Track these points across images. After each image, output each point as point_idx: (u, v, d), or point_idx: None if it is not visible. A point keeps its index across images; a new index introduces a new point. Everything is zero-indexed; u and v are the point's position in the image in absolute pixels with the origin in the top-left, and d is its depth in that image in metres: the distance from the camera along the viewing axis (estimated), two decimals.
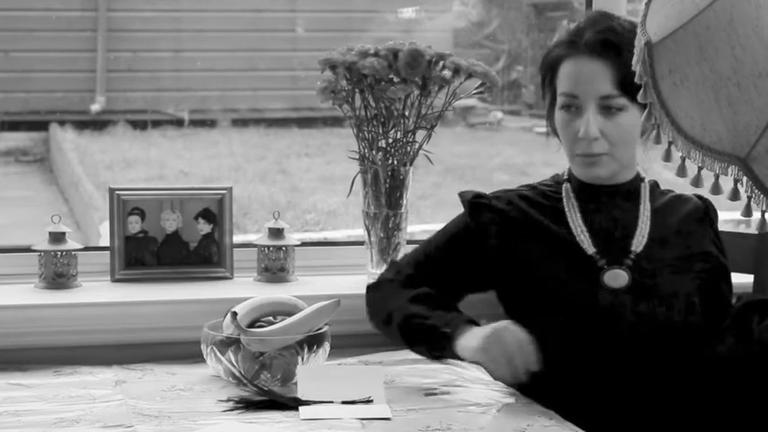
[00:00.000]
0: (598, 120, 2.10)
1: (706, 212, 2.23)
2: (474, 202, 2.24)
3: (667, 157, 1.51)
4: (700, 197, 2.25)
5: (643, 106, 2.07)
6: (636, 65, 1.51)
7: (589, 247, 2.15)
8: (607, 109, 2.10)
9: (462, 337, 2.04)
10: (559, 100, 2.15)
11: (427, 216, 5.24)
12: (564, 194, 2.21)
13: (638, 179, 2.22)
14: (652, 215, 2.19)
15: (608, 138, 2.11)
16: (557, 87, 2.16)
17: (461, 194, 2.28)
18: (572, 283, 2.13)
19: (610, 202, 2.19)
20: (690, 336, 2.11)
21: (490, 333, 1.99)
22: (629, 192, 2.20)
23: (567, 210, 2.19)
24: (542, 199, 2.22)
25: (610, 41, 2.09)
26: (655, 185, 2.26)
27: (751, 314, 2.13)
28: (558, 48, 2.16)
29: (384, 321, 2.22)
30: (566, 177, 2.23)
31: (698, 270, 2.16)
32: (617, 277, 2.12)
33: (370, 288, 2.31)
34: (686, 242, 2.18)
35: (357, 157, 2.49)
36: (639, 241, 2.16)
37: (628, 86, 2.03)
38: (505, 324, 2.01)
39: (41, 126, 5.38)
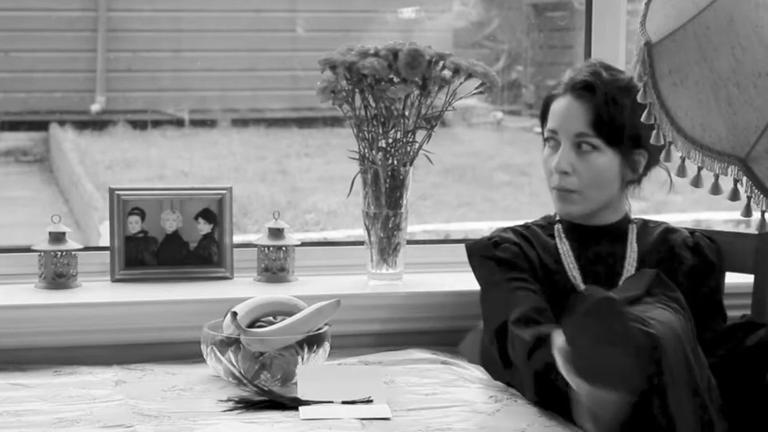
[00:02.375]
0: (571, 156, 2.23)
1: (696, 248, 2.29)
2: (492, 243, 2.28)
3: (667, 157, 1.52)
4: (693, 231, 2.33)
5: (620, 150, 2.19)
6: (636, 65, 1.51)
7: (580, 284, 2.24)
8: (580, 147, 2.22)
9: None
10: (544, 135, 2.29)
11: (427, 216, 5.24)
12: (556, 234, 2.30)
13: (626, 221, 2.31)
14: (639, 256, 2.27)
15: (579, 175, 2.23)
16: (546, 125, 2.29)
17: (470, 246, 2.32)
18: (563, 316, 2.15)
19: (598, 242, 2.28)
20: None
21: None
22: (615, 233, 2.29)
23: (560, 248, 2.28)
24: (538, 237, 2.30)
25: (588, 83, 2.22)
26: (643, 224, 2.33)
27: (736, 334, 2.19)
28: (554, 89, 2.29)
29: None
30: (557, 219, 2.33)
31: (676, 304, 2.19)
32: None
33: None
34: (671, 280, 2.21)
35: (357, 157, 2.49)
36: None
37: (603, 128, 2.20)
38: None
39: (41, 126, 5.37)
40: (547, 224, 2.33)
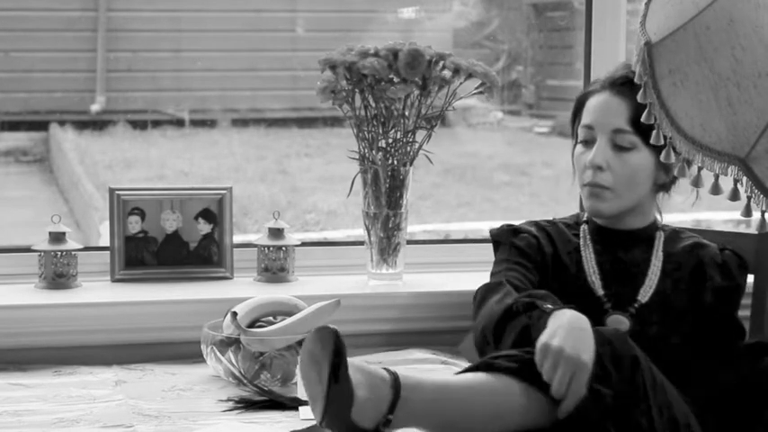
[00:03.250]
0: (607, 152, 2.19)
1: (723, 265, 2.25)
2: (511, 229, 2.28)
3: (667, 156, 1.51)
4: (723, 248, 2.27)
5: (656, 150, 2.14)
6: (635, 65, 1.51)
7: (599, 289, 2.21)
8: (618, 144, 2.18)
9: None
10: (578, 133, 2.25)
11: (427, 216, 5.24)
12: (581, 234, 2.27)
13: (654, 227, 2.28)
14: (663, 265, 2.24)
15: (613, 172, 2.19)
16: (581, 122, 2.25)
17: (492, 231, 2.32)
18: None
19: (623, 247, 2.25)
20: (680, 385, 2.10)
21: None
22: (642, 238, 2.26)
23: (582, 249, 2.25)
24: (561, 235, 2.28)
25: (630, 79, 2.15)
26: (673, 233, 2.29)
27: (750, 356, 2.15)
28: (590, 87, 2.28)
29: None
30: (585, 219, 2.30)
31: (699, 325, 2.19)
32: (619, 323, 2.17)
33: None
34: (693, 295, 2.21)
35: (357, 157, 2.49)
36: (646, 292, 2.21)
37: (642, 125, 2.07)
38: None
39: (41, 126, 5.37)
40: (574, 223, 2.31)
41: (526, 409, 1.83)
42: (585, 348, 1.85)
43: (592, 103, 2.22)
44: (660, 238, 2.27)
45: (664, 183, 2.24)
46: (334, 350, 1.71)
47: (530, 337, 1.95)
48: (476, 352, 2.41)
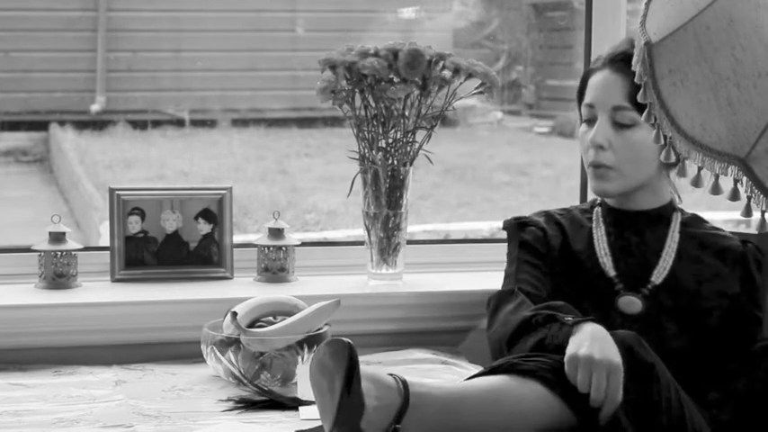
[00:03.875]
0: (608, 131, 2.16)
1: (743, 257, 2.21)
2: (518, 223, 2.27)
3: (667, 156, 1.51)
4: (745, 241, 2.23)
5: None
6: (636, 65, 1.51)
7: (610, 270, 2.18)
8: (618, 121, 2.15)
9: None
10: (582, 112, 2.22)
11: (427, 216, 5.24)
12: (594, 217, 2.25)
13: (670, 208, 2.24)
14: (680, 247, 2.20)
15: (616, 151, 2.15)
16: (583, 101, 2.23)
17: (504, 222, 2.31)
18: (587, 301, 2.14)
19: (636, 227, 2.21)
20: (692, 372, 2.10)
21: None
22: (656, 219, 2.22)
23: (594, 231, 2.23)
24: (573, 220, 2.26)
25: (628, 54, 2.10)
26: (693, 218, 2.26)
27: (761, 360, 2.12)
28: (593, 64, 2.25)
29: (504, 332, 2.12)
30: (598, 202, 2.28)
31: (713, 313, 2.16)
32: (631, 304, 2.15)
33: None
34: (709, 281, 2.18)
35: (357, 157, 2.50)
36: (660, 273, 2.18)
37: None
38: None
39: (41, 126, 5.38)
40: (589, 207, 2.28)
41: (548, 416, 1.82)
42: (614, 353, 1.85)
43: (593, 81, 2.19)
44: (677, 220, 2.22)
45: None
46: (348, 363, 1.70)
47: (546, 349, 1.94)
48: (476, 352, 2.42)
